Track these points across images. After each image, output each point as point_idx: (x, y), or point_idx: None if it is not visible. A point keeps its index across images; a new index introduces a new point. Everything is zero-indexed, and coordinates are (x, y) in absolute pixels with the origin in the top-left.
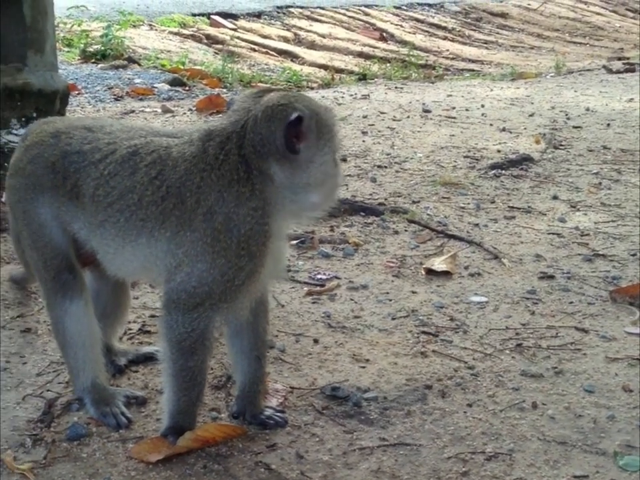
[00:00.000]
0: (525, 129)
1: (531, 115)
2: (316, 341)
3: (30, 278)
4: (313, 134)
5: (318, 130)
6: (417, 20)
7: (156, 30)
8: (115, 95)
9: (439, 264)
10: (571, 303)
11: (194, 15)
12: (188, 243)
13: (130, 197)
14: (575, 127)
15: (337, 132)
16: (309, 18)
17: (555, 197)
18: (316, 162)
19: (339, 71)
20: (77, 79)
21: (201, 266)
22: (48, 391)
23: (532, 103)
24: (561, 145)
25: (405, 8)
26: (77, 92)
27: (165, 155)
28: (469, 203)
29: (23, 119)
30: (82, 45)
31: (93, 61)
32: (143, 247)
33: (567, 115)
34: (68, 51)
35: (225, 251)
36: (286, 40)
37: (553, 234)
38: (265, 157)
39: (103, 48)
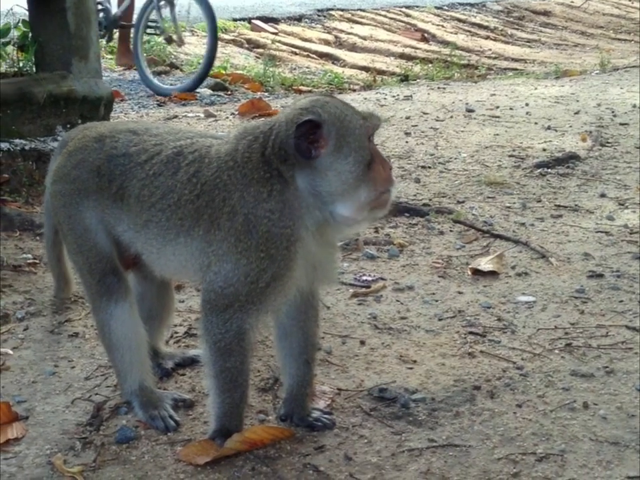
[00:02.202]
0: (571, 126)
1: (576, 113)
2: (362, 343)
3: (58, 289)
4: (332, 141)
5: (339, 137)
6: (459, 20)
7: (197, 35)
8: (157, 100)
9: (485, 264)
10: (621, 301)
11: (235, 20)
12: (216, 242)
13: (171, 196)
14: (621, 124)
15: (367, 141)
16: (349, 20)
17: (603, 195)
18: (336, 170)
19: (381, 72)
20: (120, 85)
21: (227, 266)
22: (96, 394)
23: (577, 101)
24: (608, 143)
25: (446, 8)
26: (120, 98)
27: (205, 153)
28: (514, 203)
29: (68, 126)
30: None
31: (136, 67)
32: (181, 245)
33: (613, 112)
34: (110, 58)
35: (247, 252)
36: (327, 43)
37: (601, 232)
38: (284, 160)
39: (145, 54)
